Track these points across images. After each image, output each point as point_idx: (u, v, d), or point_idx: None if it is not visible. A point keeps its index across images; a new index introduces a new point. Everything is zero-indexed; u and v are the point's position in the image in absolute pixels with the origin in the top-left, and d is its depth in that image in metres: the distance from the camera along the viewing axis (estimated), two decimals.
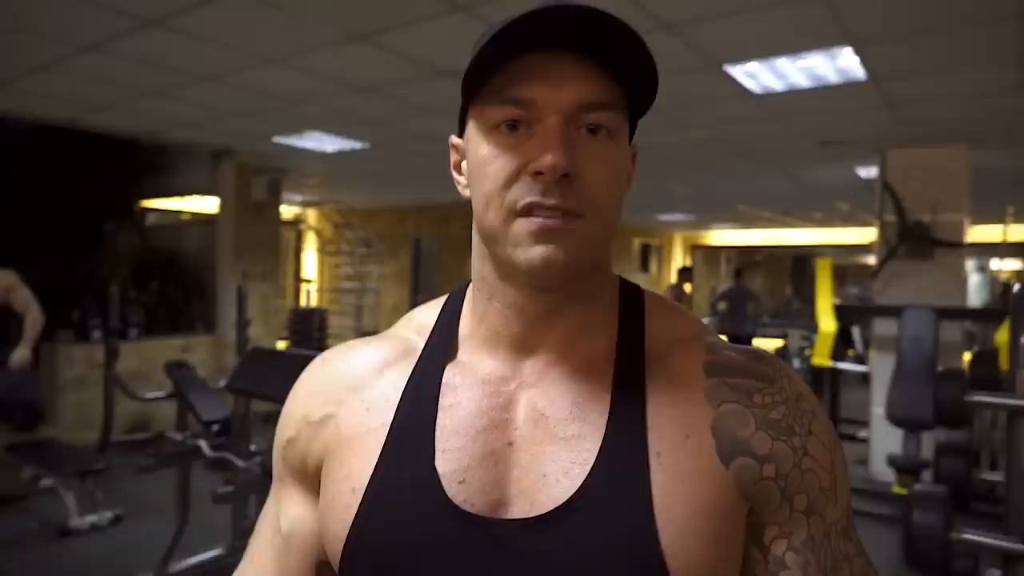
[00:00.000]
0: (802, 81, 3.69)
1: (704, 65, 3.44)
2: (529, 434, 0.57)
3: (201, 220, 6.97)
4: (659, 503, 0.53)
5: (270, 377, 3.06)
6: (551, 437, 0.57)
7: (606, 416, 0.57)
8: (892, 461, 4.19)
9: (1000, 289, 8.74)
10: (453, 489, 0.56)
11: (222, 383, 5.81)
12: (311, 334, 6.85)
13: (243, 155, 6.23)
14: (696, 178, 7.15)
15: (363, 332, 7.67)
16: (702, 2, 2.74)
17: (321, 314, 7.19)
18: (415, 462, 0.57)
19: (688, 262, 14.95)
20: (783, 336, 5.63)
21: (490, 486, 0.56)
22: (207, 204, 6.74)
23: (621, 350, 0.60)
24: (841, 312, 4.65)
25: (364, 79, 3.87)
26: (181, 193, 7.20)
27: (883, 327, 4.86)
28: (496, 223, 0.56)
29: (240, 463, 3.15)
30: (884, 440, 4.69)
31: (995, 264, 9.89)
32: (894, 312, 4.40)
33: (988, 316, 4.96)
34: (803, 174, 6.55)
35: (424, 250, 9.95)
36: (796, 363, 5.07)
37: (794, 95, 3.90)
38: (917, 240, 4.59)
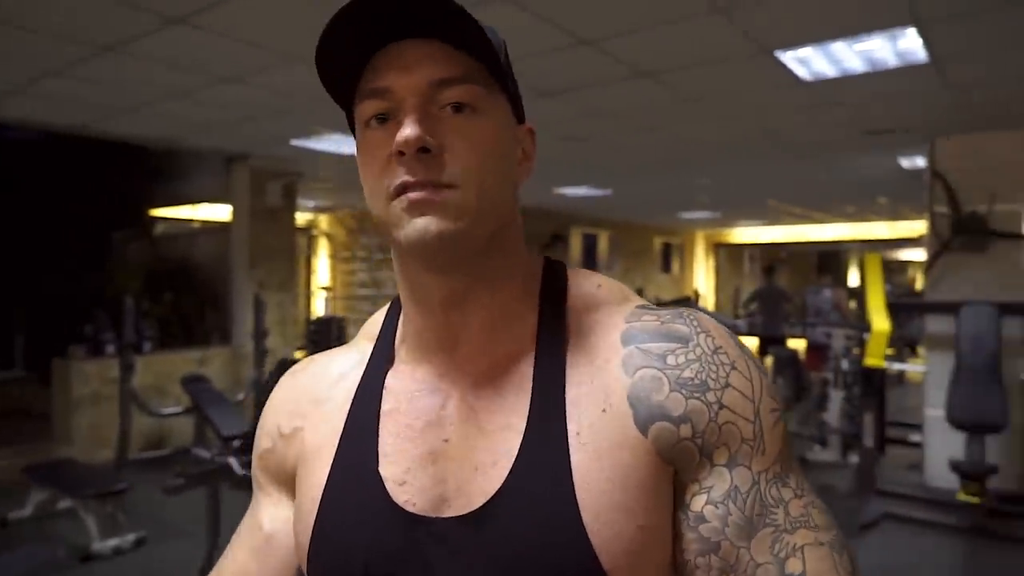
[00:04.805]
0: (857, 66, 3.50)
1: (754, 51, 3.24)
2: (462, 429, 0.58)
3: (213, 228, 6.79)
4: (580, 483, 0.52)
5: None
6: (480, 431, 0.57)
7: (528, 403, 0.56)
8: (956, 467, 3.96)
9: None
10: (395, 491, 0.57)
11: (240, 396, 5.65)
12: (330, 343, 6.64)
13: (257, 159, 6.04)
14: (724, 172, 6.89)
15: None
16: None
17: (339, 323, 6.98)
18: (360, 469, 0.59)
19: (711, 262, 14.73)
20: (827, 335, 5.41)
21: (429, 485, 0.56)
22: (219, 211, 6.55)
23: (541, 333, 0.59)
24: (896, 309, 4.41)
25: None
26: (192, 200, 7.02)
27: (936, 325, 4.62)
28: (380, 211, 0.56)
29: None
30: (940, 444, 4.46)
31: None
32: (952, 309, 4.17)
33: None
34: (842, 165, 6.32)
35: None
36: (844, 364, 4.82)
37: (845, 81, 3.70)
38: (973, 232, 4.36)
